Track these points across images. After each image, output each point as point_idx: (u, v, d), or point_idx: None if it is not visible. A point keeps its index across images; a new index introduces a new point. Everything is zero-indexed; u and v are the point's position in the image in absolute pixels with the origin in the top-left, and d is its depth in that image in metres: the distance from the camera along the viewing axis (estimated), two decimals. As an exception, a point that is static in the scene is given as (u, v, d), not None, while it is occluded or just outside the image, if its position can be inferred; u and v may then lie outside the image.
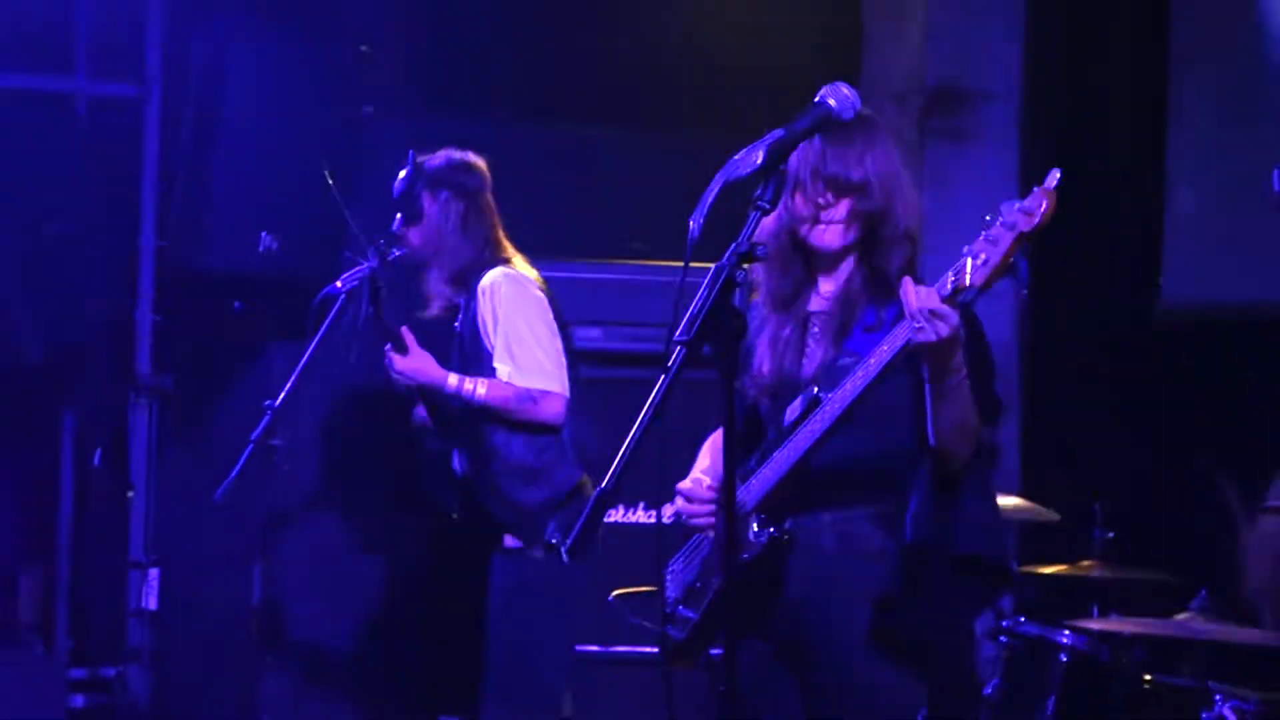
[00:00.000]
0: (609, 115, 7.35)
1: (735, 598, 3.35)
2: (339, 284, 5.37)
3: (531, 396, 5.17)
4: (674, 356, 3.20)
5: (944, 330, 3.39)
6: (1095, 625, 5.52)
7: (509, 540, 5.30)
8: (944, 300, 3.38)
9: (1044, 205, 3.27)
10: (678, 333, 3.21)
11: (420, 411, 5.45)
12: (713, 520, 3.81)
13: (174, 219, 6.32)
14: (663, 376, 3.19)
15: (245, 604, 5.71)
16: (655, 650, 4.89)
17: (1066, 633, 5.40)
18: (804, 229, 3.78)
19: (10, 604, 6.84)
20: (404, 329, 5.29)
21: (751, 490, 3.71)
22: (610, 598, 4.46)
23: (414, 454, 5.90)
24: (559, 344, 5.27)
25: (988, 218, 3.32)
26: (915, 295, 3.40)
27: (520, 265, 5.32)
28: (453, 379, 5.22)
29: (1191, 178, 6.83)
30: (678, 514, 3.87)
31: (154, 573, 6.66)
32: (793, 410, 3.68)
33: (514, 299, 5.20)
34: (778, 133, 3.36)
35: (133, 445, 6.78)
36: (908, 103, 7.28)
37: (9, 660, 6.60)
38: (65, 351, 6.62)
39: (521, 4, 7.32)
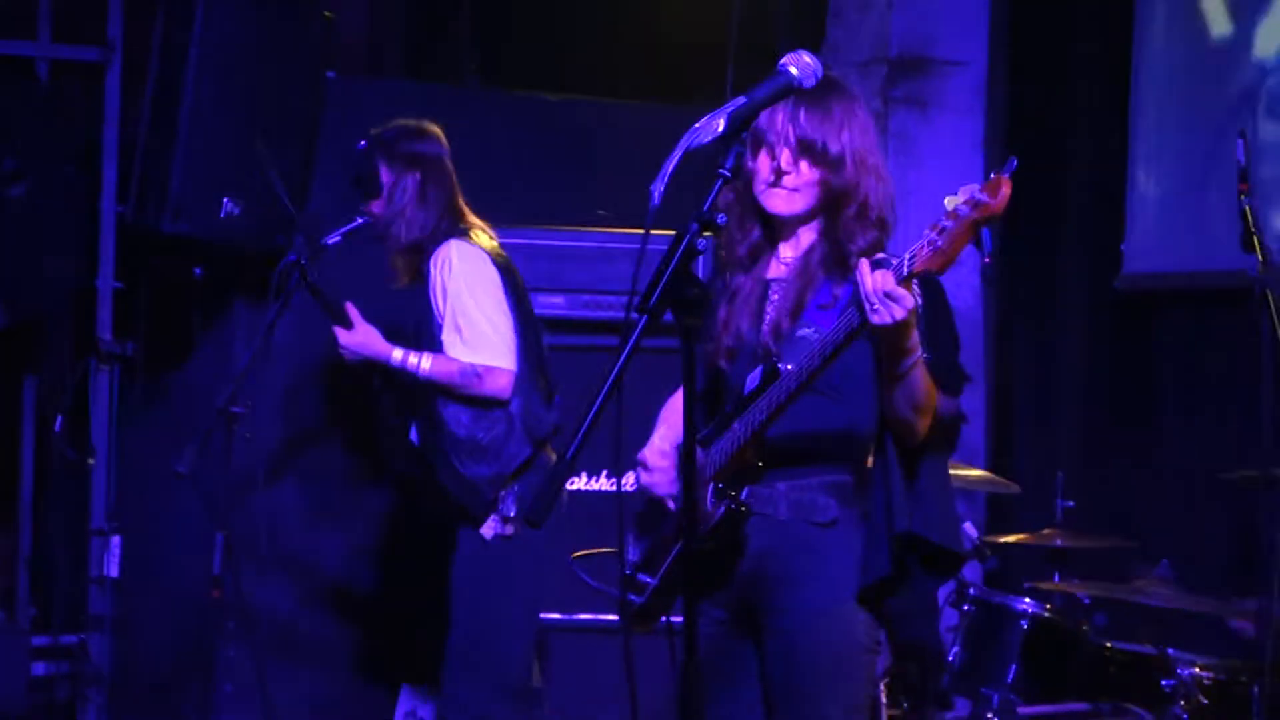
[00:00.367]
0: (573, 83, 7.33)
1: (692, 566, 3.35)
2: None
3: (476, 372, 5.16)
4: (635, 324, 3.19)
5: (899, 313, 3.39)
6: (1056, 592, 5.56)
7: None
8: (899, 283, 3.38)
9: (1000, 193, 3.26)
10: (638, 300, 3.20)
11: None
12: (672, 489, 3.83)
13: (136, 184, 6.26)
14: (623, 344, 3.18)
15: (207, 572, 5.68)
16: (616, 618, 4.90)
17: (1027, 600, 5.43)
18: (758, 189, 3.78)
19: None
20: (348, 304, 5.29)
21: (710, 459, 3.71)
22: (570, 559, 4.46)
23: (375, 423, 5.89)
24: (508, 319, 5.23)
25: (946, 200, 3.31)
26: (871, 278, 3.40)
27: (478, 236, 5.28)
28: (397, 353, 5.21)
29: (1155, 147, 6.84)
30: (638, 483, 3.88)
31: (116, 540, 6.63)
32: (751, 379, 3.68)
33: (463, 272, 5.18)
34: (739, 100, 3.35)
35: (94, 412, 6.74)
36: (871, 71, 7.27)
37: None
38: (26, 317, 6.57)
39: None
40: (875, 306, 3.40)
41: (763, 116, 3.57)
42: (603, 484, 6.14)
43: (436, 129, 5.39)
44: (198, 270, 6.54)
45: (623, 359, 3.16)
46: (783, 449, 3.71)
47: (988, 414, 7.21)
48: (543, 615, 5.47)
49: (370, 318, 5.31)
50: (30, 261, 6.50)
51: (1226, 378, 6.37)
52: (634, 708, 3.58)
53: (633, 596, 3.90)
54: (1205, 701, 5.05)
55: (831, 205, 3.77)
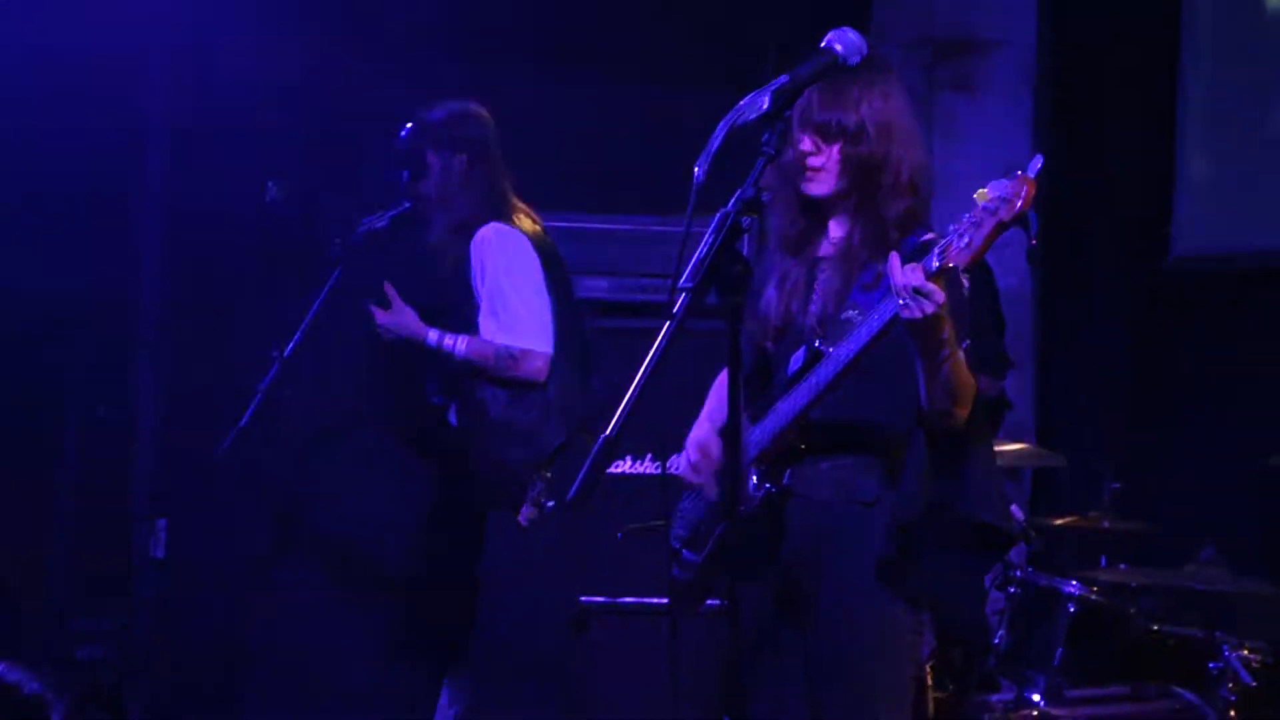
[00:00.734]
0: (617, 68, 7.30)
1: (735, 548, 3.35)
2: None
3: (512, 354, 5.15)
4: (678, 303, 3.17)
5: (929, 308, 3.37)
6: (1104, 576, 5.52)
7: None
8: (929, 278, 3.35)
9: (1024, 192, 3.23)
10: (682, 279, 3.18)
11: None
12: (710, 480, 3.81)
13: (178, 168, 6.27)
14: (667, 324, 3.16)
15: (248, 557, 5.69)
16: (660, 601, 4.88)
17: (1074, 583, 5.39)
18: (795, 174, 3.77)
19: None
20: (386, 285, 5.28)
21: (753, 440, 3.70)
22: (619, 535, 4.47)
23: (416, 406, 5.88)
24: (546, 301, 5.22)
25: (976, 194, 3.29)
26: (900, 273, 3.37)
27: (520, 220, 5.27)
28: (433, 335, 5.21)
29: (1204, 127, 6.78)
30: (679, 469, 3.88)
31: (161, 523, 6.64)
32: (795, 361, 3.68)
33: (502, 254, 5.17)
34: (783, 78, 3.34)
35: (137, 397, 6.75)
36: (916, 52, 7.22)
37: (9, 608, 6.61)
38: (68, 303, 6.58)
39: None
40: (905, 302, 3.38)
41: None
42: (646, 467, 6.11)
43: (483, 111, 5.38)
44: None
45: (666, 337, 3.13)
46: (825, 432, 3.70)
47: (1035, 395, 7.17)
48: (586, 598, 5.45)
49: (408, 299, 5.30)
50: (73, 247, 6.50)
51: (1275, 357, 6.32)
52: (674, 684, 3.58)
53: (677, 572, 3.91)
54: (1254, 684, 5.01)
55: (864, 178, 3.75)
